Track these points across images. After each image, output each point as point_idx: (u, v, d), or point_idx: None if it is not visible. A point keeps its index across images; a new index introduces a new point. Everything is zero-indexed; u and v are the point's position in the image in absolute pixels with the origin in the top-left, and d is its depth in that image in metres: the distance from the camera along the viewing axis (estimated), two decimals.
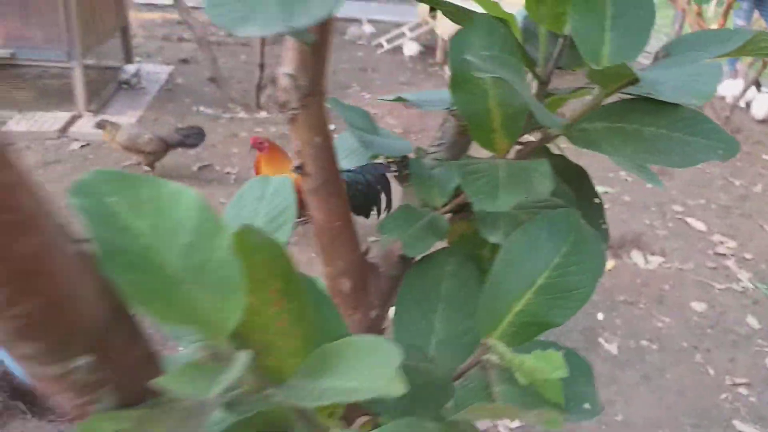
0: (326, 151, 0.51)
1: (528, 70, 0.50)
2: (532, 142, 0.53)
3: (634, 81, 0.41)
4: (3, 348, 0.24)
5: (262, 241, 0.34)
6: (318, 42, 0.47)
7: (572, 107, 0.57)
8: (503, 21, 0.48)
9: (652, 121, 0.44)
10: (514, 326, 0.45)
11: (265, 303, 0.35)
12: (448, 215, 0.57)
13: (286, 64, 0.47)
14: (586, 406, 0.48)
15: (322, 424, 0.37)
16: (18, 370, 1.76)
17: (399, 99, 0.62)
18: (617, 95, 0.47)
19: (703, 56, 0.41)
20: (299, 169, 0.52)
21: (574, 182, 0.57)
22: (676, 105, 0.43)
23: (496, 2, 0.58)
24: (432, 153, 0.58)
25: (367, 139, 0.54)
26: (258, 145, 2.49)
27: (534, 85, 0.52)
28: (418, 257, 0.58)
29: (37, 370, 0.26)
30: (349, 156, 0.58)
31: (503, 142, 0.47)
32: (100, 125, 2.98)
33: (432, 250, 0.58)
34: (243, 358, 0.28)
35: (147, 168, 3.02)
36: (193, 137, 3.03)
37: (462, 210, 0.58)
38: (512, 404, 0.34)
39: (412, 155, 0.61)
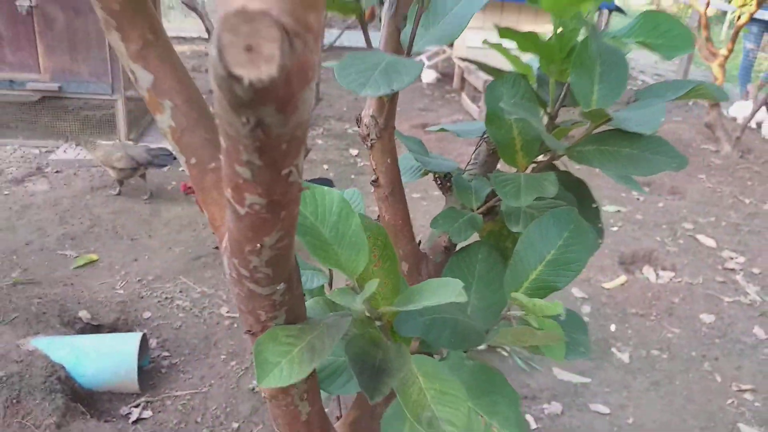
0: (394, 169, 0.71)
1: (542, 109, 0.70)
2: (544, 161, 0.73)
3: (610, 119, 0.60)
4: (242, 276, 0.44)
5: (370, 223, 0.54)
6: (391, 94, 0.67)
7: (573, 134, 0.76)
8: (523, 75, 0.68)
9: (627, 144, 0.63)
10: (530, 289, 0.64)
11: (370, 262, 0.54)
12: (481, 216, 0.77)
13: (370, 108, 0.67)
14: (582, 349, 0.67)
15: (401, 344, 0.56)
16: (77, 373, 1.95)
17: (442, 129, 0.82)
18: (604, 126, 0.66)
19: (660, 101, 0.60)
20: (374, 182, 0.71)
21: (576, 191, 0.76)
22: (641, 134, 0.62)
23: (517, 57, 0.78)
24: (469, 170, 0.78)
25: (424, 159, 0.73)
26: (188, 189, 2.90)
27: (545, 119, 0.71)
28: (458, 248, 0.77)
29: (258, 289, 0.45)
30: (406, 173, 0.78)
31: (523, 161, 0.67)
32: (78, 143, 3.25)
33: (467, 243, 0.77)
34: (371, 286, 0.47)
35: (118, 183, 3.25)
36: (161, 158, 3.23)
37: (490, 212, 0.78)
38: (527, 328, 0.53)
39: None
